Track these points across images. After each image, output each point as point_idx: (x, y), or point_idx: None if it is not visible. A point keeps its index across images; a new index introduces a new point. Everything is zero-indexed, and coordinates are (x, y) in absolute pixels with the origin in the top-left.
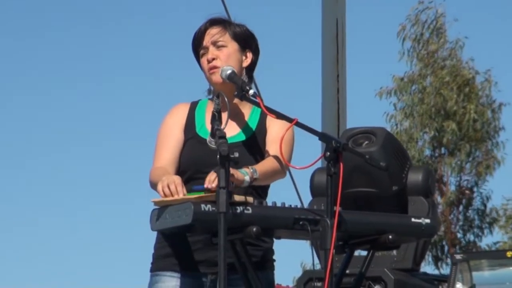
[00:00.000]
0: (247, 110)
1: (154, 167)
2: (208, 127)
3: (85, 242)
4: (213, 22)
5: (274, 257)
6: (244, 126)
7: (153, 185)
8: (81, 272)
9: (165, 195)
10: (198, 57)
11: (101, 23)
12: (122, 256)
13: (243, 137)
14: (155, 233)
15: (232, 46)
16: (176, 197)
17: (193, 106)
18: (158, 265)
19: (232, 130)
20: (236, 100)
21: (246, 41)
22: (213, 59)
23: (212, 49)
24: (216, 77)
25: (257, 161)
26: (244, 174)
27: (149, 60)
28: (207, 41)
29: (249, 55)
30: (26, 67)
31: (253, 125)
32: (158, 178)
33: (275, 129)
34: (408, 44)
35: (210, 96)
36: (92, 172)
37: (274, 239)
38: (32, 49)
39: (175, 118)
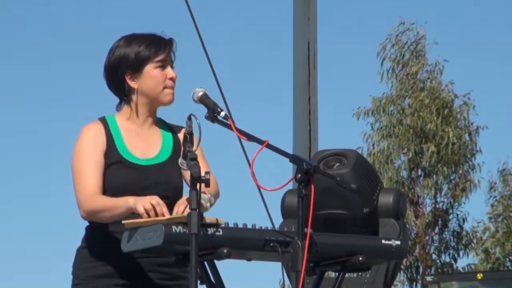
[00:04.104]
0: (158, 129)
1: (90, 194)
2: (130, 148)
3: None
4: (173, 41)
5: None
6: (161, 146)
7: (102, 211)
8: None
9: (148, 216)
10: (141, 62)
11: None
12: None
13: (163, 158)
14: None
15: None
16: (152, 219)
17: (105, 125)
18: (90, 286)
19: (151, 151)
20: (149, 120)
21: None
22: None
23: (170, 68)
24: (172, 98)
25: (175, 179)
26: (205, 201)
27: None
28: (169, 56)
29: None
30: None
31: (169, 143)
32: (109, 203)
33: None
34: (387, 65)
35: (118, 109)
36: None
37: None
38: None
39: (93, 141)
